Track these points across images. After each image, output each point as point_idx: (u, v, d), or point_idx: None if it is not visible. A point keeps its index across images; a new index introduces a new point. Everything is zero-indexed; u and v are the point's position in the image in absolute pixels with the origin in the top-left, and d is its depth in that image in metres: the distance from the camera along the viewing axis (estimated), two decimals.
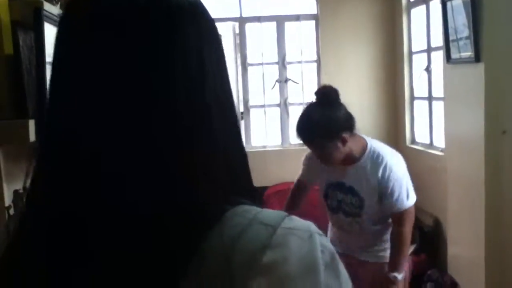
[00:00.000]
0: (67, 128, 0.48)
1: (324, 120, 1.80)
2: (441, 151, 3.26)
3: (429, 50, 3.49)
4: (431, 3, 3.41)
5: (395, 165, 1.88)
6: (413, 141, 3.85)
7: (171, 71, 0.47)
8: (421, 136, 3.71)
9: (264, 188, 3.99)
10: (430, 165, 3.41)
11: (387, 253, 2.01)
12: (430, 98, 3.50)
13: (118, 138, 0.47)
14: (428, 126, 3.54)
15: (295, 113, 4.02)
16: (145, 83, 0.47)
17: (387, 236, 2.02)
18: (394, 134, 4.01)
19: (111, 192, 0.47)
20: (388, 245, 2.02)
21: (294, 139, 3.77)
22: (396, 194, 1.86)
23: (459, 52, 2.69)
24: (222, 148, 0.51)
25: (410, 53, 3.82)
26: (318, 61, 4.08)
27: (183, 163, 0.48)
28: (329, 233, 2.17)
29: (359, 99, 4.01)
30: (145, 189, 0.46)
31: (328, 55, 4.01)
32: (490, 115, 2.44)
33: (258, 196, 0.57)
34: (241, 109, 4.18)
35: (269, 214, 0.51)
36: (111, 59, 0.47)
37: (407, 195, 1.88)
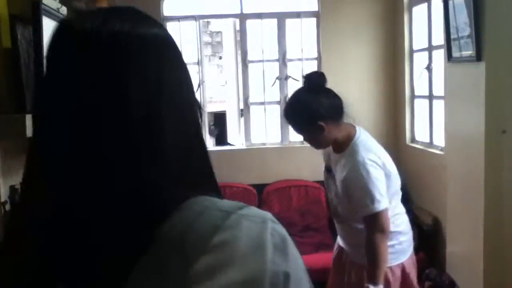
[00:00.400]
0: (50, 133, 0.55)
1: (302, 107, 1.81)
2: (441, 150, 3.26)
3: (430, 48, 3.47)
4: (432, 1, 3.40)
5: (367, 165, 1.75)
6: (413, 139, 3.85)
7: (128, 88, 0.54)
8: (421, 135, 3.70)
9: (264, 186, 4.00)
10: (429, 164, 3.40)
11: None
12: (430, 97, 3.49)
13: (87, 144, 0.54)
14: (428, 125, 3.53)
15: None
16: (108, 96, 0.54)
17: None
18: (394, 133, 4.00)
19: (90, 187, 0.53)
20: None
21: (294, 136, 3.83)
22: (357, 197, 1.77)
23: (460, 50, 2.69)
24: (184, 148, 0.57)
25: (411, 51, 3.80)
26: (319, 58, 4.07)
27: (147, 162, 0.54)
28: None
29: (360, 97, 4.00)
30: (118, 180, 0.53)
31: (328, 53, 4.00)
32: (490, 114, 2.43)
33: (220, 191, 0.61)
34: (241, 106, 4.17)
35: (227, 203, 0.55)
36: (88, 77, 0.54)
37: (371, 201, 1.74)
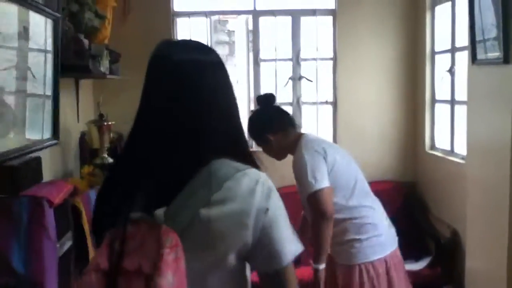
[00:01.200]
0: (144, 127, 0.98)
1: (253, 124, 2.20)
2: (462, 158, 3.11)
3: (453, 50, 3.32)
4: (457, 0, 3.23)
5: (308, 152, 2.05)
6: (432, 146, 3.68)
7: (198, 97, 0.97)
8: (442, 142, 3.56)
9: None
10: (450, 172, 3.26)
11: (347, 254, 2.08)
12: (452, 101, 3.35)
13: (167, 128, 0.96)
14: (449, 131, 3.38)
15: (309, 113, 4.02)
16: (190, 105, 0.97)
17: (343, 234, 2.07)
18: (413, 139, 3.84)
19: (165, 156, 0.95)
20: (346, 246, 2.08)
21: None
22: (301, 180, 2.05)
23: (486, 52, 2.53)
24: (225, 131, 0.98)
25: (433, 53, 3.64)
26: (334, 58, 3.91)
27: (201, 138, 0.96)
28: None
29: (377, 100, 3.85)
30: (183, 145, 0.95)
31: (345, 53, 3.84)
32: None
33: (248, 157, 1.00)
34: (251, 106, 4.03)
35: (240, 164, 0.95)
36: (175, 92, 0.96)
37: (311, 180, 1.99)
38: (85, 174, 3.04)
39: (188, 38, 1.36)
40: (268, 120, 2.18)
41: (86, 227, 2.30)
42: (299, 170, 2.06)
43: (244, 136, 1.04)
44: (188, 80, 0.96)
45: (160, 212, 0.89)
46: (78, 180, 2.93)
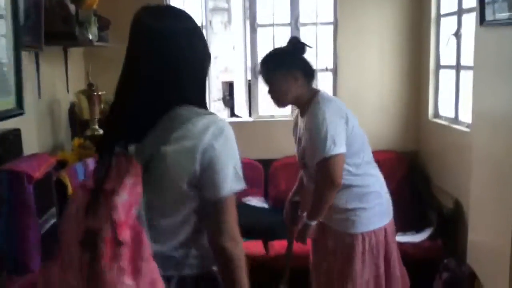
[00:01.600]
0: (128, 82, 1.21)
1: (286, 54, 2.03)
2: (467, 127, 2.99)
3: (460, 12, 3.14)
4: None
5: (328, 112, 1.93)
6: (436, 114, 3.55)
7: (170, 57, 1.19)
8: (446, 109, 3.42)
9: (271, 161, 3.76)
10: (454, 142, 3.14)
11: (349, 222, 2.03)
12: (458, 67, 3.18)
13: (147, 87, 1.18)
14: (454, 98, 3.22)
15: None
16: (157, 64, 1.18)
17: (346, 202, 2.03)
18: (416, 106, 3.71)
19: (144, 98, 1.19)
20: (349, 214, 2.03)
21: None
22: (315, 140, 1.92)
23: (494, 13, 2.35)
24: (194, 85, 1.23)
25: (439, 15, 3.46)
26: (335, 23, 3.73)
27: (169, 87, 1.18)
28: None
29: (379, 66, 3.72)
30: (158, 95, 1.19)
31: (346, 17, 3.67)
32: None
33: (204, 105, 1.25)
34: (249, 76, 3.89)
35: (202, 110, 1.20)
36: (146, 52, 1.18)
37: (328, 144, 1.89)
38: (75, 147, 2.94)
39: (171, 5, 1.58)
40: (303, 59, 2.04)
41: None
42: (317, 128, 1.92)
43: (205, 92, 1.28)
44: (159, 42, 1.15)
45: (132, 148, 1.14)
46: (68, 153, 2.84)
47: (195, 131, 1.12)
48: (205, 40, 1.25)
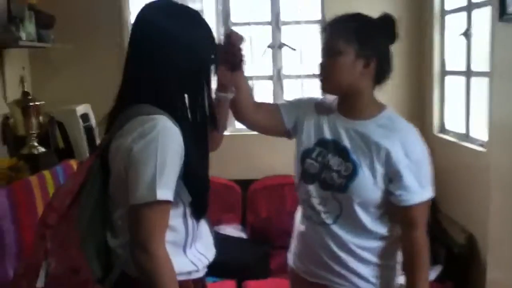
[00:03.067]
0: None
1: (370, 23, 1.50)
2: (481, 145, 2.61)
3: (469, 7, 2.75)
4: None
5: (419, 139, 1.53)
6: (442, 129, 3.18)
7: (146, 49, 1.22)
8: (454, 123, 3.06)
9: (250, 182, 3.34)
10: (465, 162, 2.77)
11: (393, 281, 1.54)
12: (468, 73, 2.80)
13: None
14: (464, 110, 2.85)
15: (291, 88, 3.41)
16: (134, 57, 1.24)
17: (389, 252, 1.51)
18: (419, 119, 3.28)
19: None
20: (394, 270, 1.53)
21: None
22: (411, 178, 1.44)
23: None
24: (153, 83, 1.21)
25: (443, 12, 3.10)
26: (322, 21, 3.27)
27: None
28: (292, 246, 1.65)
29: None
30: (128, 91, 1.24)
31: (335, 14, 3.19)
32: None
33: (165, 105, 1.20)
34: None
35: (149, 110, 1.17)
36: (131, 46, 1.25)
37: (428, 184, 1.48)
38: (4, 169, 2.42)
39: None
40: (389, 49, 1.51)
41: None
42: (424, 160, 1.49)
43: (171, 90, 1.21)
44: (132, 36, 1.24)
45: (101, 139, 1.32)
46: None
47: (128, 130, 1.15)
48: (205, 48, 1.23)
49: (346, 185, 1.44)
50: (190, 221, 1.25)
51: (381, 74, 1.49)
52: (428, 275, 1.48)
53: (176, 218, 1.21)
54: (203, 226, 1.31)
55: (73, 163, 2.54)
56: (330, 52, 1.45)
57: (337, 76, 1.44)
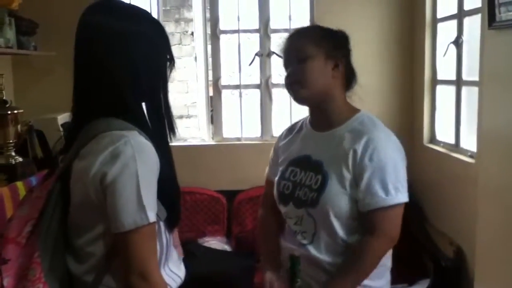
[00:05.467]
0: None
1: (331, 31, 1.54)
2: (471, 156, 2.57)
3: (460, 15, 2.70)
4: None
5: (397, 145, 1.47)
6: (432, 139, 3.11)
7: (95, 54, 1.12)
8: (444, 133, 3.01)
9: (236, 193, 3.26)
10: (454, 174, 2.71)
11: None
12: (458, 82, 2.75)
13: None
14: (454, 120, 2.80)
15: (280, 97, 3.34)
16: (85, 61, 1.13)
17: (374, 272, 1.44)
18: (408, 129, 3.26)
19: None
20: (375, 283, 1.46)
21: (278, 130, 3.13)
22: (374, 182, 1.38)
23: (508, 11, 1.93)
24: (112, 94, 1.12)
25: (435, 19, 3.04)
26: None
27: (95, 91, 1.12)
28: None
29: (364, 82, 3.08)
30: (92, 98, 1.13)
31: (325, 22, 3.10)
32: None
33: (132, 117, 1.12)
34: (210, 92, 3.42)
35: (115, 125, 1.08)
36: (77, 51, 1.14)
37: (399, 188, 1.40)
38: None
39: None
40: (349, 51, 1.55)
41: None
42: (388, 161, 1.40)
43: (127, 97, 1.11)
44: (81, 43, 1.12)
45: (60, 159, 1.18)
46: None
47: (94, 151, 1.05)
48: (158, 48, 1.15)
49: (317, 198, 1.41)
50: (164, 238, 1.17)
51: (350, 77, 1.52)
52: (356, 286, 1.39)
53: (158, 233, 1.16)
54: (171, 244, 1.24)
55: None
56: (299, 58, 1.44)
57: (311, 80, 1.43)
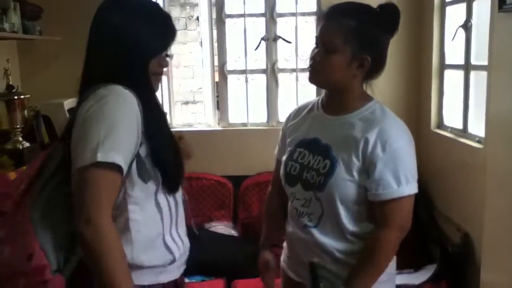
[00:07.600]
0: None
1: (372, 15, 1.46)
2: (479, 141, 2.52)
3: None
4: None
5: (402, 131, 1.44)
6: (440, 124, 3.06)
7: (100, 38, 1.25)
8: (452, 118, 2.96)
9: (243, 178, 3.25)
10: (461, 159, 2.67)
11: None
12: (467, 66, 2.70)
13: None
14: (462, 105, 2.75)
15: (286, 82, 3.36)
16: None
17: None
18: (416, 115, 3.22)
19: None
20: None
21: (284, 115, 3.09)
22: (386, 172, 1.37)
23: None
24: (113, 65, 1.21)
25: (443, 3, 2.97)
26: (318, 13, 3.22)
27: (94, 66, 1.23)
28: (284, 244, 1.63)
29: None
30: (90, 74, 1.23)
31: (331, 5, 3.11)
32: None
33: (129, 84, 1.20)
34: (216, 77, 3.38)
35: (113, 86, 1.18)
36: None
37: (409, 179, 1.38)
38: None
39: None
40: (385, 46, 1.47)
41: None
42: (402, 152, 1.39)
43: (130, 70, 1.20)
44: (93, 24, 1.25)
45: None
46: None
47: (90, 99, 1.14)
48: (153, 24, 1.24)
49: (324, 183, 1.40)
50: (164, 200, 1.22)
51: (373, 72, 1.46)
52: (374, 281, 1.36)
53: (153, 196, 1.19)
54: (179, 209, 1.30)
55: None
56: (325, 47, 1.38)
57: (330, 73, 1.40)
